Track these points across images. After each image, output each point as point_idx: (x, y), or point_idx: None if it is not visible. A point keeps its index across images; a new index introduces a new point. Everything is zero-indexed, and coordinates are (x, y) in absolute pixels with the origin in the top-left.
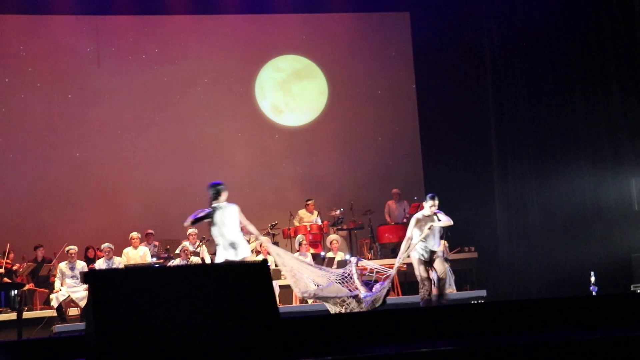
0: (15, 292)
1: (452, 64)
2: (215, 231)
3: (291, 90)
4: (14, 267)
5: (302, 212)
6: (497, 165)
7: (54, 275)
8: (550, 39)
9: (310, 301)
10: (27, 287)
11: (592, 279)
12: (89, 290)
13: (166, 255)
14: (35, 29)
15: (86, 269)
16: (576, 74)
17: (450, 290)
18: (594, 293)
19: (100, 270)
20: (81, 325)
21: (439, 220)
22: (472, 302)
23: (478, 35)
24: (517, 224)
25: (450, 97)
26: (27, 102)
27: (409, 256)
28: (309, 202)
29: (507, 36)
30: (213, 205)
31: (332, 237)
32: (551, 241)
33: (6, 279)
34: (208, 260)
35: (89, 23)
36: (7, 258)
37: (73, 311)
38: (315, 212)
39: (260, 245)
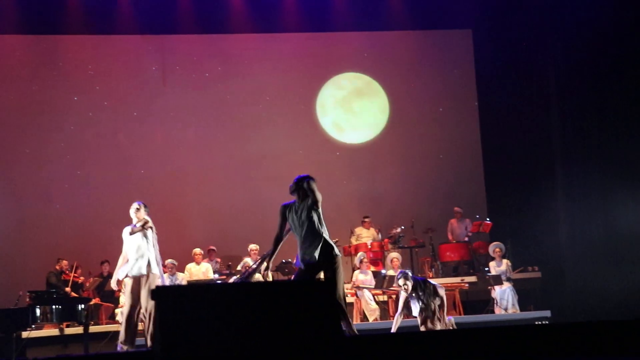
0: (82, 306)
1: (515, 81)
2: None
3: (352, 108)
4: (80, 280)
5: (359, 230)
6: (561, 184)
7: (119, 290)
8: (618, 56)
9: (371, 319)
10: (93, 301)
11: None
12: (155, 306)
13: (228, 272)
14: (102, 48)
15: None
16: None
17: (514, 310)
18: None
19: (167, 286)
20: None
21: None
22: (536, 322)
23: (542, 53)
24: (583, 243)
25: (513, 115)
26: (94, 120)
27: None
28: (365, 219)
29: (573, 54)
30: None
31: (393, 255)
32: (618, 261)
33: (73, 294)
34: (269, 277)
35: (155, 42)
36: (75, 272)
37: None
38: (372, 229)
39: None
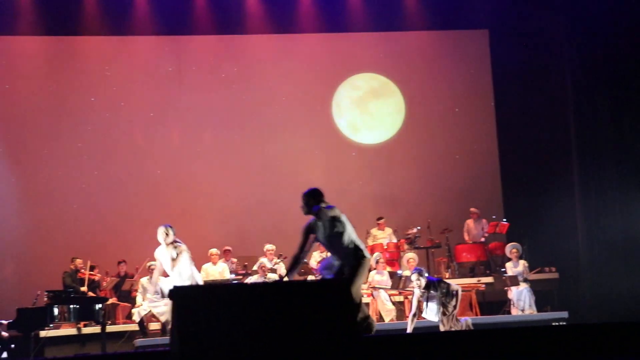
0: (100, 306)
1: (531, 81)
2: None
3: (368, 108)
4: (96, 278)
5: (375, 231)
6: (578, 184)
7: (136, 290)
8: (635, 55)
9: (387, 319)
10: (110, 301)
11: None
12: (173, 305)
13: (244, 272)
14: (119, 49)
15: None
16: None
17: (531, 311)
18: None
19: (184, 287)
20: (162, 340)
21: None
22: (553, 324)
23: (558, 52)
24: (600, 243)
25: (530, 114)
26: (111, 121)
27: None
28: (380, 221)
29: (589, 53)
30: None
31: (409, 255)
32: (636, 261)
33: (90, 293)
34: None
35: (171, 43)
36: (92, 271)
37: (154, 325)
38: (388, 230)
39: None
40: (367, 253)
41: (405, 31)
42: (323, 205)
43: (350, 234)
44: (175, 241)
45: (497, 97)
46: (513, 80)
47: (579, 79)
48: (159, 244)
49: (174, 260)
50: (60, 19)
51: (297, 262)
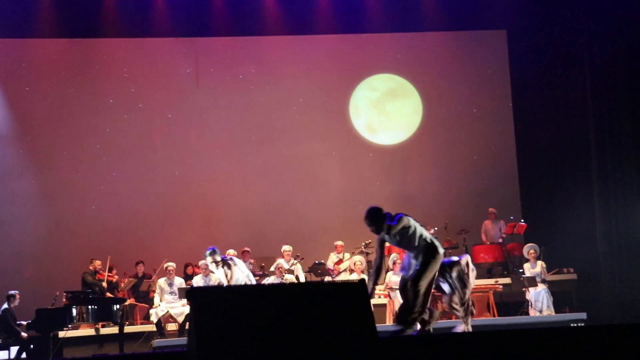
0: (118, 306)
1: (550, 82)
2: None
3: (385, 109)
4: (114, 280)
5: None
6: (597, 185)
7: (154, 291)
8: None
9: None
10: (128, 302)
11: None
12: (191, 307)
13: (261, 273)
14: (137, 51)
15: (184, 286)
16: None
17: (549, 312)
18: None
19: (202, 287)
20: (179, 341)
21: None
22: (572, 325)
23: (577, 52)
24: (619, 245)
25: (548, 115)
26: (129, 122)
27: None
28: None
29: (608, 54)
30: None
31: None
32: None
33: (109, 294)
34: (302, 279)
35: (189, 45)
36: (110, 272)
37: (171, 326)
38: None
39: (354, 264)
40: (440, 248)
41: (423, 32)
42: (388, 223)
43: (421, 234)
44: (223, 259)
45: (515, 98)
46: (531, 81)
47: (598, 80)
48: (177, 244)
49: (227, 276)
50: (79, 22)
51: (379, 272)
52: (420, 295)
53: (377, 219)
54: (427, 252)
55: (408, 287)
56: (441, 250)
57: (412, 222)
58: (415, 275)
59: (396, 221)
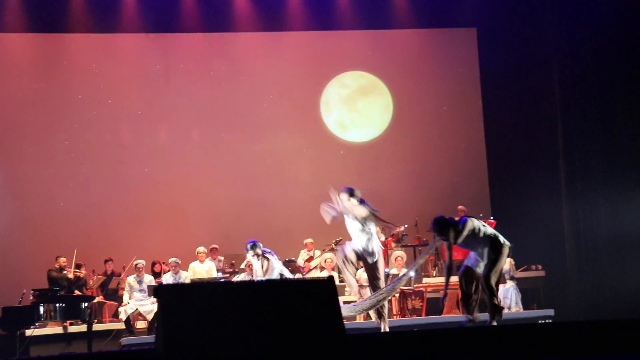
0: (86, 304)
1: (519, 80)
2: None
3: (356, 106)
4: (83, 276)
5: None
6: (565, 182)
7: (123, 289)
8: (623, 54)
9: (373, 317)
10: (97, 299)
11: None
12: (158, 304)
13: (231, 270)
14: (106, 47)
15: (153, 283)
16: None
17: (517, 309)
18: None
19: (169, 285)
20: (148, 338)
21: None
22: (540, 321)
23: (546, 51)
24: (587, 241)
25: (518, 113)
26: (98, 118)
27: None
28: None
29: (576, 52)
30: None
31: (397, 253)
32: (622, 259)
33: (77, 292)
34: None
35: (158, 41)
36: (78, 269)
37: (141, 324)
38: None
39: (325, 261)
40: (506, 241)
41: (394, 29)
42: (455, 231)
43: (483, 231)
44: (264, 252)
45: (485, 95)
46: (501, 79)
47: (566, 77)
48: (146, 241)
49: (262, 268)
50: (47, 16)
51: (450, 272)
52: (493, 289)
53: (445, 228)
54: (494, 248)
55: (481, 283)
56: (507, 244)
57: (476, 223)
58: (486, 273)
59: (463, 224)
